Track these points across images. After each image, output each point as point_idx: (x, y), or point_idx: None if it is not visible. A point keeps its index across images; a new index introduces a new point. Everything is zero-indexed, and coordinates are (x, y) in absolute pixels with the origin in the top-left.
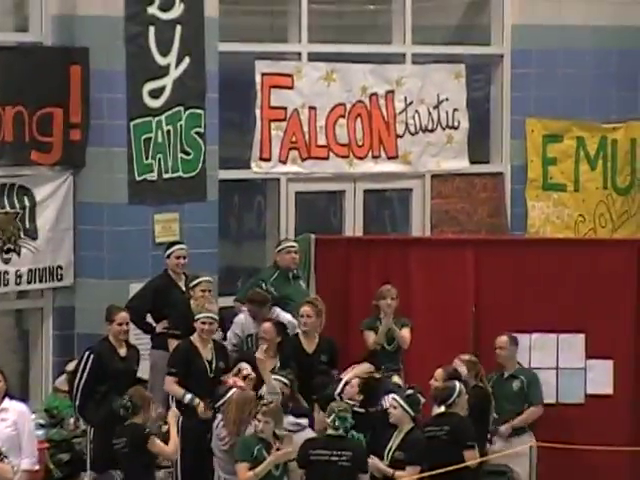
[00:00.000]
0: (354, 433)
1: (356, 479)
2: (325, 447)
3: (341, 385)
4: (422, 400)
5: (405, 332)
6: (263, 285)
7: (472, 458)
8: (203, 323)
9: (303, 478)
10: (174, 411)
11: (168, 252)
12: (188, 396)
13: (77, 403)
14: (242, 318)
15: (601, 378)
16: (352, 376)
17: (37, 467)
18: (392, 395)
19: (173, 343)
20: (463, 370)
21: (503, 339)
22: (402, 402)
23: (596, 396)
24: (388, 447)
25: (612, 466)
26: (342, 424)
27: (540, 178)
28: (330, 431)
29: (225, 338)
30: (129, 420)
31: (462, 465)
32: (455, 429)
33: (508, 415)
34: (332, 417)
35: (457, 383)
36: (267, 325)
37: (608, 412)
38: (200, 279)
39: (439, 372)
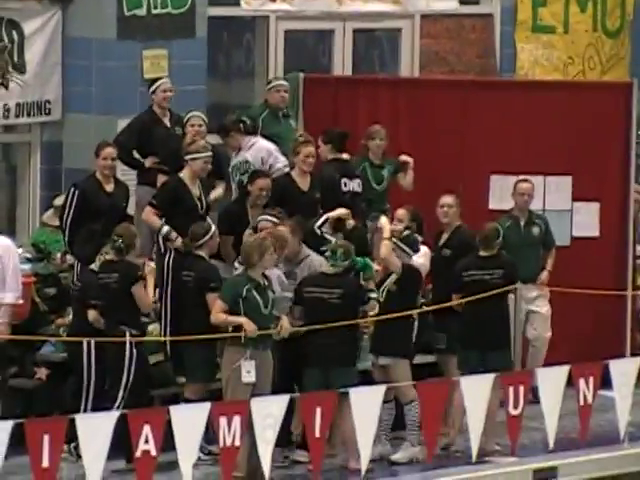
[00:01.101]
0: (359, 259)
1: (350, 316)
2: (317, 284)
3: (322, 220)
4: (420, 239)
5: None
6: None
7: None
8: (206, 163)
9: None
10: (151, 265)
11: (154, 87)
12: (165, 228)
13: (66, 239)
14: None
15: (587, 220)
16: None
17: (20, 301)
18: (393, 239)
19: (162, 179)
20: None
21: (529, 185)
22: (400, 243)
23: (582, 238)
24: (384, 286)
25: (597, 309)
26: (335, 261)
27: (530, 20)
28: (324, 268)
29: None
30: (121, 257)
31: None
32: (509, 271)
33: (529, 263)
34: (327, 254)
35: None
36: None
37: (594, 254)
38: (190, 114)
39: (402, 212)
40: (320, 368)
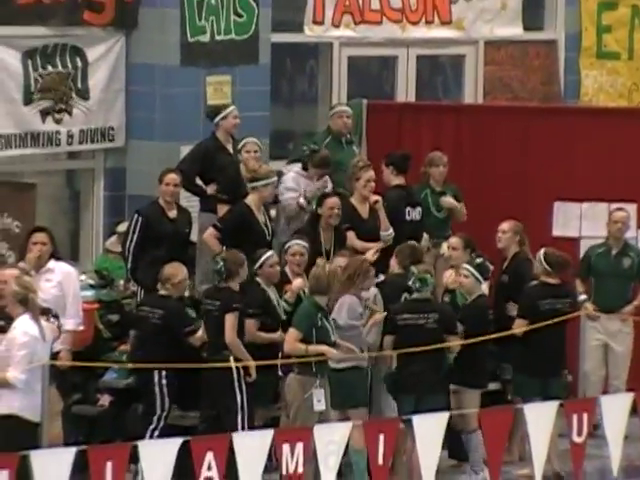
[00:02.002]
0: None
1: (444, 340)
2: (411, 311)
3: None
4: (491, 267)
5: (457, 205)
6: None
7: None
8: (274, 187)
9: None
10: None
11: (224, 113)
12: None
13: (129, 266)
14: (291, 176)
15: None
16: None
17: (81, 327)
18: (464, 265)
19: (222, 208)
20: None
21: (624, 214)
22: (473, 271)
23: None
24: None
25: None
26: (424, 286)
27: (594, 46)
28: (415, 295)
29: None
30: (222, 283)
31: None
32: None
33: (615, 294)
34: (413, 280)
35: None
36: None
37: None
38: (245, 140)
39: (455, 240)
40: (416, 394)
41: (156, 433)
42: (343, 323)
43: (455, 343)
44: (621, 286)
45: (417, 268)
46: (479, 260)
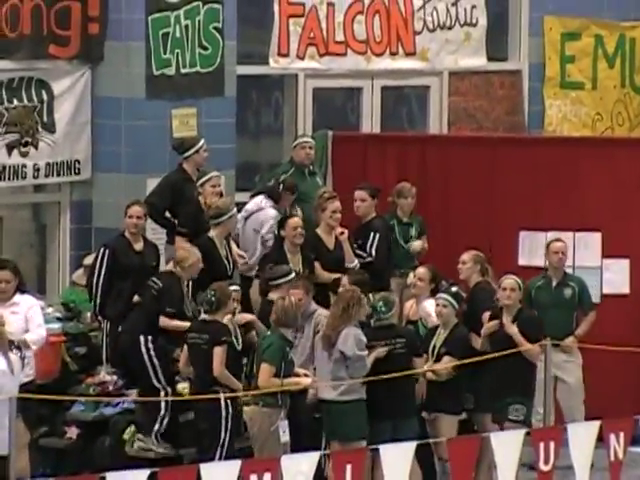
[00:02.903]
0: None
1: (411, 364)
2: (378, 338)
3: None
4: (464, 295)
5: (422, 243)
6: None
7: None
8: (236, 218)
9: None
10: None
11: (197, 147)
12: None
13: (98, 301)
14: (274, 213)
15: (618, 277)
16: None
17: (43, 334)
18: (441, 294)
19: (181, 241)
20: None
21: (562, 244)
22: (452, 300)
23: (612, 295)
24: (432, 344)
25: (627, 365)
26: (388, 310)
27: (558, 76)
28: (378, 322)
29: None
30: (209, 316)
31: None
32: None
33: (558, 325)
34: (379, 305)
35: None
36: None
37: (624, 311)
38: (210, 174)
39: (423, 271)
40: (390, 420)
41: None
42: (352, 354)
43: (445, 366)
44: (563, 317)
45: (376, 295)
46: (454, 289)
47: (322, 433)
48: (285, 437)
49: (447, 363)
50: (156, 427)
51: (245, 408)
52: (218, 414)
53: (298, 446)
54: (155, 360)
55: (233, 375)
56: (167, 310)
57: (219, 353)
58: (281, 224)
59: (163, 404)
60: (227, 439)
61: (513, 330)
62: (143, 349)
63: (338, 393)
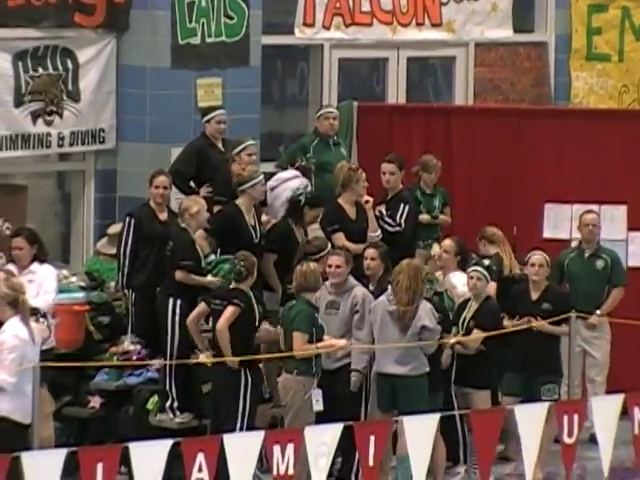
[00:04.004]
0: None
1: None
2: None
3: None
4: (495, 269)
5: (447, 213)
6: (303, 156)
7: None
8: (262, 186)
9: None
10: None
11: (209, 117)
12: (212, 257)
13: (126, 270)
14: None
15: None
16: None
17: (49, 301)
18: (476, 267)
19: (217, 209)
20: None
21: (594, 216)
22: (485, 272)
23: (638, 268)
24: (462, 317)
25: None
26: (431, 287)
27: (584, 48)
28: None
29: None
30: (234, 284)
31: None
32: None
33: (589, 297)
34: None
35: None
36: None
37: None
38: (247, 143)
39: (449, 243)
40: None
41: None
42: (434, 327)
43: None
44: (595, 288)
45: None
46: (487, 262)
47: (360, 406)
48: (318, 406)
49: (477, 335)
50: (168, 402)
51: (279, 378)
52: (236, 382)
53: (334, 418)
54: (176, 328)
55: (245, 346)
56: (181, 263)
57: (230, 311)
58: (311, 204)
59: (171, 380)
60: (247, 409)
61: (544, 326)
62: (169, 313)
63: (410, 369)
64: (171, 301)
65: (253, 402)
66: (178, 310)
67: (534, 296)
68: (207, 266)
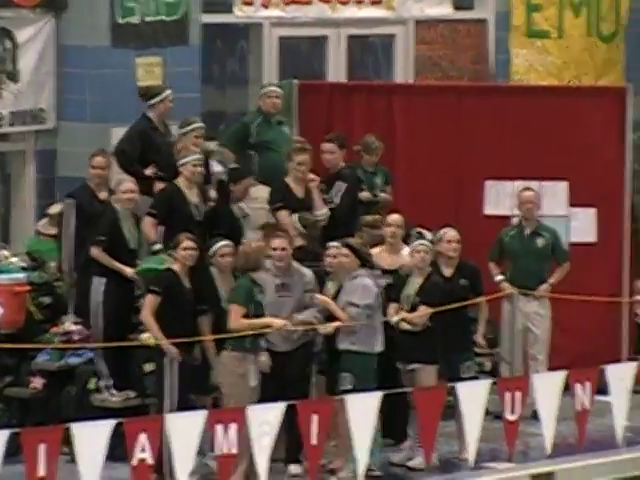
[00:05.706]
0: None
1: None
2: None
3: None
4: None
5: (388, 192)
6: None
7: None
8: (195, 166)
9: None
10: None
11: (162, 97)
12: (157, 246)
13: (70, 252)
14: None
15: (584, 226)
16: None
17: None
18: (422, 241)
19: (159, 187)
20: None
21: (532, 193)
22: (431, 246)
23: (579, 244)
24: (405, 293)
25: (594, 314)
26: None
27: (524, 25)
28: None
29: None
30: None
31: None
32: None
33: (529, 274)
34: None
35: None
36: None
37: (591, 260)
38: (195, 124)
39: (397, 217)
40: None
41: None
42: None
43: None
44: (535, 266)
45: None
46: (429, 235)
47: (309, 385)
48: (254, 382)
49: (423, 312)
50: (101, 382)
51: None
52: (160, 362)
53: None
54: (100, 307)
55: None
56: (96, 238)
57: (147, 299)
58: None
59: (100, 360)
60: (173, 389)
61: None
62: (92, 292)
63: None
64: (95, 280)
65: (183, 383)
66: (103, 288)
67: (447, 272)
68: (149, 254)
